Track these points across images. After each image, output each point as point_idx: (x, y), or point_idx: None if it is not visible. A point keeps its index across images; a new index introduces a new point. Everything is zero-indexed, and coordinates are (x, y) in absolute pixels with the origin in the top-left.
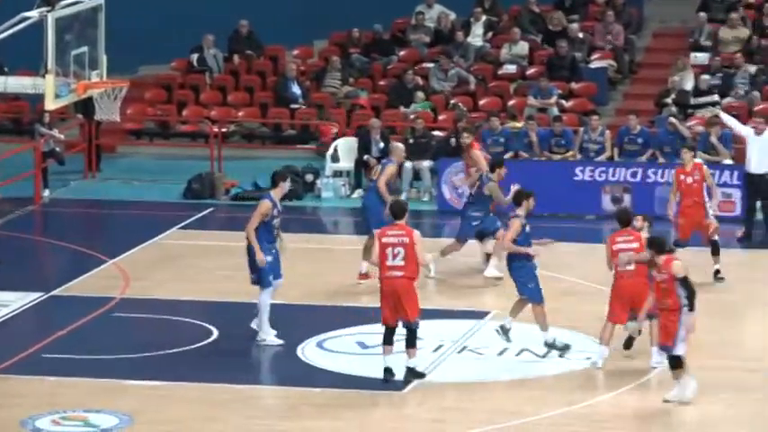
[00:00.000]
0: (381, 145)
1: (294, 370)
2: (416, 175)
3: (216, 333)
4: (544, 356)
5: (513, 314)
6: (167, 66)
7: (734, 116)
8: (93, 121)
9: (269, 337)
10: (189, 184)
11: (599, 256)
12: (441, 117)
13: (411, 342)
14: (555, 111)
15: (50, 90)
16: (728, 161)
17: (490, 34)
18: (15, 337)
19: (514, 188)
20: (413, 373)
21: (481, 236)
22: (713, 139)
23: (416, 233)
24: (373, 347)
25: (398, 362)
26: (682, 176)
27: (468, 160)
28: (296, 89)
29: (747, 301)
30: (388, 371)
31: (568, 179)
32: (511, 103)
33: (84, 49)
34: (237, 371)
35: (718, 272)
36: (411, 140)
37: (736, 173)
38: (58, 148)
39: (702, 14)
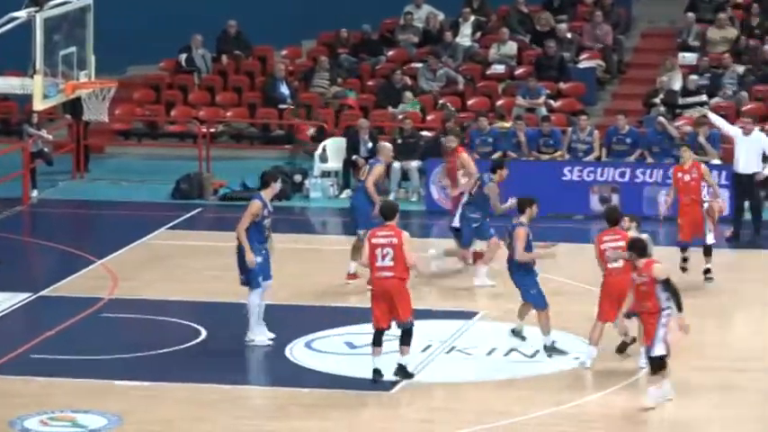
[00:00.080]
0: (370, 145)
1: (282, 370)
2: (405, 176)
3: (204, 333)
4: (532, 357)
5: (520, 317)
6: (156, 66)
7: (722, 116)
8: (81, 121)
9: (257, 337)
10: (177, 184)
11: (587, 256)
12: (429, 117)
13: (405, 341)
14: (543, 111)
15: (39, 90)
16: (716, 161)
17: (479, 34)
18: (3, 338)
19: (512, 201)
20: (403, 372)
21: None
22: (701, 139)
23: (405, 234)
24: (362, 347)
25: (387, 363)
26: (679, 174)
27: (450, 164)
28: (284, 89)
29: (735, 301)
30: (376, 372)
31: (557, 179)
32: (499, 103)
33: (73, 49)
34: (226, 371)
35: (708, 271)
36: (399, 141)
37: (724, 173)
38: (46, 149)
39: (690, 15)
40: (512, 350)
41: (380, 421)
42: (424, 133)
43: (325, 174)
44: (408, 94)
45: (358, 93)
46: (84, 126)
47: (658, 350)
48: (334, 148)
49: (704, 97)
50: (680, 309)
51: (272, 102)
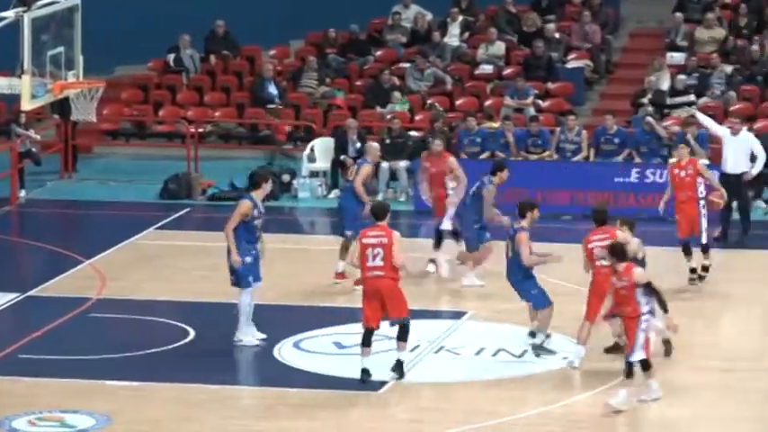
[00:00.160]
0: (358, 145)
1: (271, 370)
2: (393, 176)
3: (192, 333)
4: (521, 357)
5: (532, 319)
6: (144, 66)
7: (710, 116)
8: (69, 121)
9: (245, 337)
10: (165, 184)
11: (575, 256)
12: (417, 117)
13: (402, 336)
14: (531, 111)
15: (27, 90)
16: (705, 161)
17: (467, 34)
18: None
19: (506, 220)
20: (399, 369)
21: (456, 235)
22: (689, 139)
23: (396, 234)
24: (350, 348)
25: (376, 363)
26: (676, 170)
27: (435, 169)
28: (272, 89)
29: (723, 301)
30: (365, 372)
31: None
32: (487, 103)
33: (61, 49)
34: (214, 371)
35: (705, 268)
36: (387, 141)
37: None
38: (34, 149)
39: (679, 15)
40: (500, 350)
41: (369, 421)
42: (413, 133)
43: (314, 174)
44: (397, 94)
45: (346, 93)
46: (72, 126)
47: (637, 355)
48: (322, 148)
49: (692, 97)
50: (665, 310)
51: (261, 102)
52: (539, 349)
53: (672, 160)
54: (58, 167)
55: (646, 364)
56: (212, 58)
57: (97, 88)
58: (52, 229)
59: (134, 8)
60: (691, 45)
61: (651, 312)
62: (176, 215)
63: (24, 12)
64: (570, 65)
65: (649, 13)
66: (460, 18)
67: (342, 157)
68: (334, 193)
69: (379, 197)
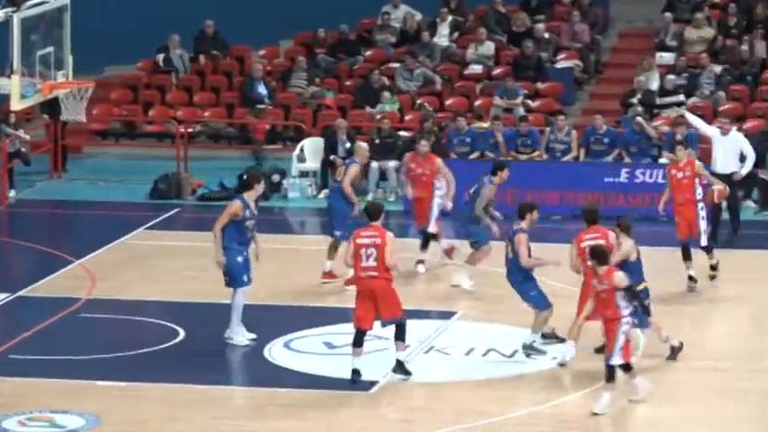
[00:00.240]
0: (348, 145)
1: (261, 370)
2: (383, 176)
3: (182, 334)
4: (511, 357)
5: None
6: (133, 66)
7: (699, 116)
8: (58, 121)
9: (236, 336)
10: (155, 184)
11: (566, 256)
12: (407, 117)
13: (399, 336)
14: (521, 111)
15: (16, 90)
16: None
17: (456, 34)
18: None
19: (496, 229)
20: (402, 368)
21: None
22: (679, 139)
23: (389, 234)
24: (340, 348)
25: (366, 363)
26: (673, 171)
27: (418, 168)
28: (262, 89)
29: (713, 301)
30: (355, 372)
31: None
32: (477, 103)
33: (50, 49)
34: (204, 371)
35: (713, 267)
36: (377, 141)
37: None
38: (23, 149)
39: (668, 14)
40: (490, 350)
41: (359, 421)
42: (402, 133)
43: (304, 174)
44: (386, 94)
45: (336, 93)
46: (61, 126)
47: (617, 359)
48: (312, 148)
49: (681, 97)
50: (646, 313)
51: (250, 102)
52: (529, 349)
53: (662, 160)
54: (48, 167)
55: (627, 367)
56: (202, 58)
57: (87, 88)
58: (42, 230)
59: (123, 8)
60: (680, 45)
61: (632, 315)
62: (166, 215)
63: (14, 12)
64: (560, 65)
65: (638, 12)
66: (450, 18)
67: (331, 157)
68: (324, 193)
69: (369, 197)
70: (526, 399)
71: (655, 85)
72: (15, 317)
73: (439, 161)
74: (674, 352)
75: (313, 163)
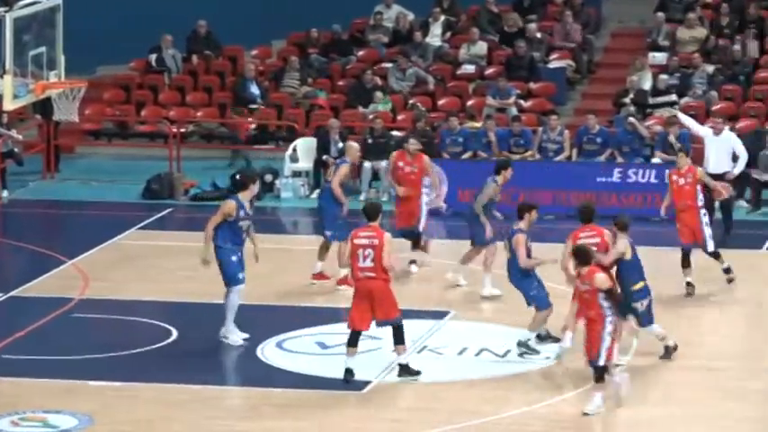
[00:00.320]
0: (340, 145)
1: (254, 370)
2: (375, 176)
3: (175, 333)
4: (504, 356)
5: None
6: (126, 66)
7: (692, 116)
8: (51, 121)
9: (232, 335)
10: (148, 184)
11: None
12: (400, 117)
13: (398, 339)
14: (513, 111)
15: (8, 90)
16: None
17: (449, 34)
18: None
19: (489, 230)
20: (408, 371)
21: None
22: (671, 139)
23: (387, 235)
24: (333, 348)
25: (360, 363)
26: (674, 177)
27: (406, 166)
28: (254, 89)
29: (705, 300)
30: (348, 371)
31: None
32: (469, 103)
33: (43, 49)
34: (197, 371)
35: (727, 270)
36: (370, 140)
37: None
38: (16, 149)
39: (660, 14)
40: (483, 350)
41: (353, 421)
42: (395, 133)
43: (296, 174)
44: (379, 94)
45: (328, 93)
46: (54, 126)
47: (603, 359)
48: (304, 148)
49: (674, 97)
50: (621, 315)
51: (243, 102)
52: (523, 347)
53: (655, 160)
54: (41, 167)
55: (603, 375)
56: (194, 58)
57: (79, 88)
58: (35, 230)
59: (116, 8)
60: (672, 45)
61: (614, 315)
62: (159, 215)
63: (6, 12)
64: (552, 65)
65: (631, 12)
66: (442, 18)
67: (324, 157)
68: (317, 193)
69: (362, 197)
70: (519, 398)
71: (647, 85)
72: (8, 317)
73: (427, 159)
74: (669, 352)
75: (306, 163)
